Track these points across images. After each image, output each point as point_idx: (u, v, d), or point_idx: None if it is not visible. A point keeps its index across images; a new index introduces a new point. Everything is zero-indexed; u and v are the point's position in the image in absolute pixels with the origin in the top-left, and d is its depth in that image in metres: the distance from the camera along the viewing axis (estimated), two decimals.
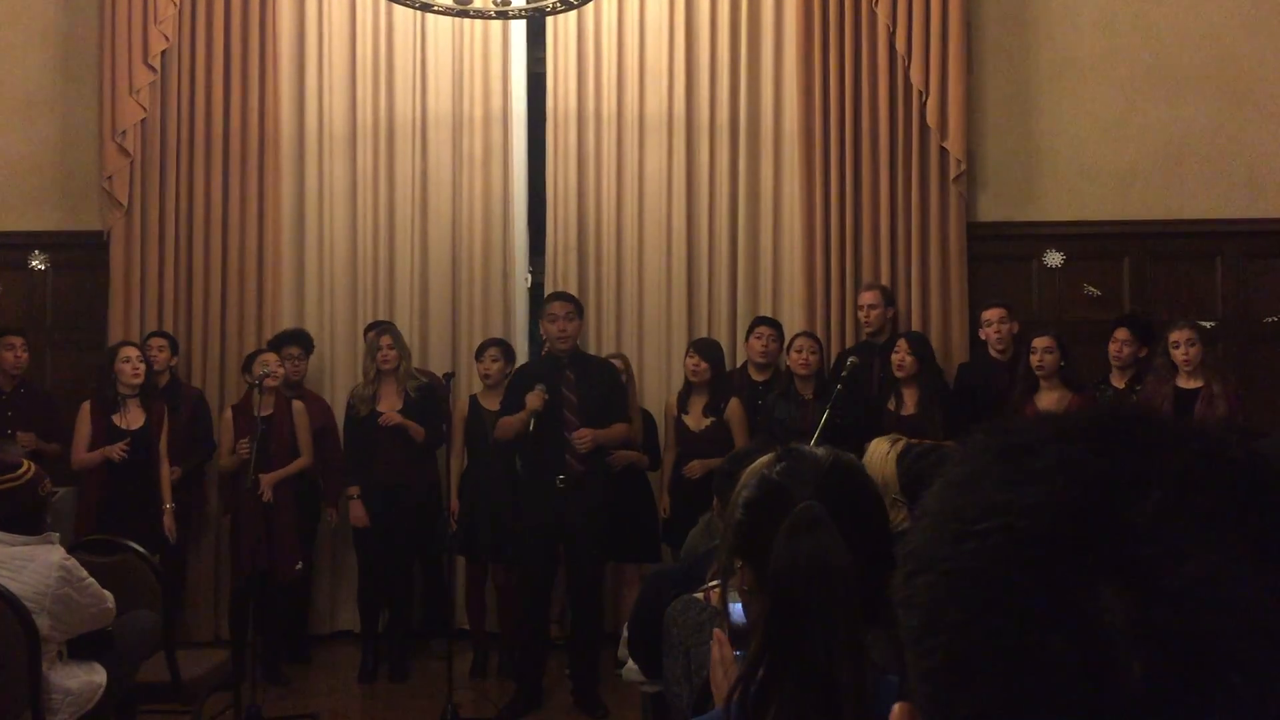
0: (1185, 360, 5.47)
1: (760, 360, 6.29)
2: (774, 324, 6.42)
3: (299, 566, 5.96)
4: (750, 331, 6.39)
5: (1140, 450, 0.58)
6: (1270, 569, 0.54)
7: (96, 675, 3.92)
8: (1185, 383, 5.50)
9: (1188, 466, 0.57)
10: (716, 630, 1.53)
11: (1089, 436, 0.60)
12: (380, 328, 6.38)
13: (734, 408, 6.06)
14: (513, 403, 5.60)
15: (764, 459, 1.56)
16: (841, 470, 1.50)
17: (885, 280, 6.70)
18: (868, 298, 6.42)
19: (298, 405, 6.11)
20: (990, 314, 6.26)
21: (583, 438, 5.46)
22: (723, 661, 1.48)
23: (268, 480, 5.81)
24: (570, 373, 5.59)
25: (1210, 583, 0.53)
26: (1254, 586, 0.53)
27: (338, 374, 6.94)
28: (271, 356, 6.07)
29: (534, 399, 5.49)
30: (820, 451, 1.53)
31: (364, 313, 6.97)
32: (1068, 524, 0.56)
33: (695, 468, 5.84)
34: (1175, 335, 5.52)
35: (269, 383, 5.84)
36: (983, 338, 6.31)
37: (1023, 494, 0.58)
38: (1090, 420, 0.61)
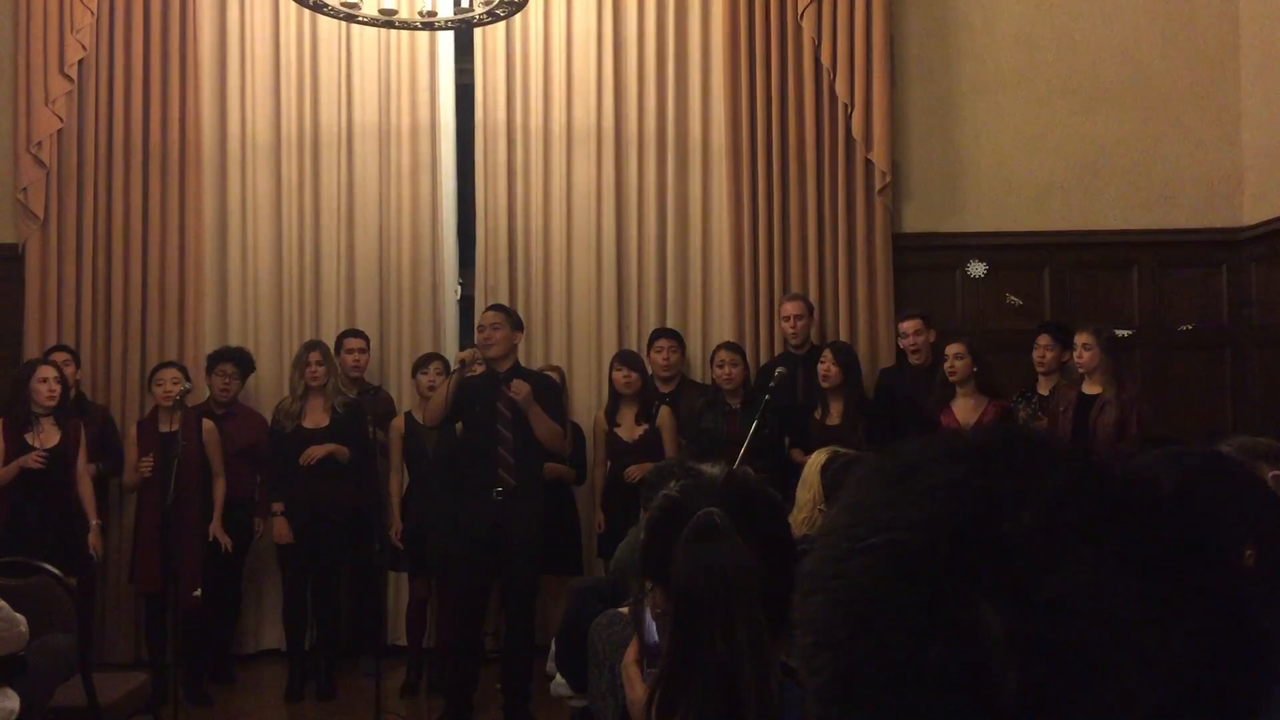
0: (1081, 363, 5.60)
1: (664, 374, 6.32)
2: (673, 334, 6.46)
3: (197, 594, 5.83)
4: (650, 346, 6.42)
5: (1019, 470, 0.60)
6: (1138, 581, 0.55)
7: (9, 701, 3.81)
8: (1088, 387, 5.62)
9: (1063, 485, 0.59)
10: (630, 647, 1.54)
11: (972, 457, 0.61)
12: (311, 344, 6.31)
13: (665, 415, 6.09)
14: (463, 408, 5.56)
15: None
16: (737, 482, 1.52)
17: (813, 291, 6.77)
18: (791, 308, 6.44)
19: (208, 424, 6.03)
20: (906, 325, 6.33)
21: (519, 389, 5.41)
22: (632, 680, 1.49)
23: (214, 528, 5.93)
24: (506, 386, 5.56)
25: (1080, 595, 0.54)
26: (1122, 598, 0.55)
27: (263, 388, 6.83)
28: (169, 373, 5.98)
29: (463, 354, 5.54)
30: (715, 468, 1.55)
31: (289, 327, 6.88)
32: (948, 540, 0.58)
33: (633, 472, 5.84)
34: (1076, 339, 5.67)
35: (187, 400, 5.79)
36: (901, 348, 6.40)
37: (907, 512, 0.60)
38: (975, 442, 0.63)
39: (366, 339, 6.56)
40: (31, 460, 5.52)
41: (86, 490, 5.73)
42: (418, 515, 6.07)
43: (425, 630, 6.27)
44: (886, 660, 0.57)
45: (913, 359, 6.29)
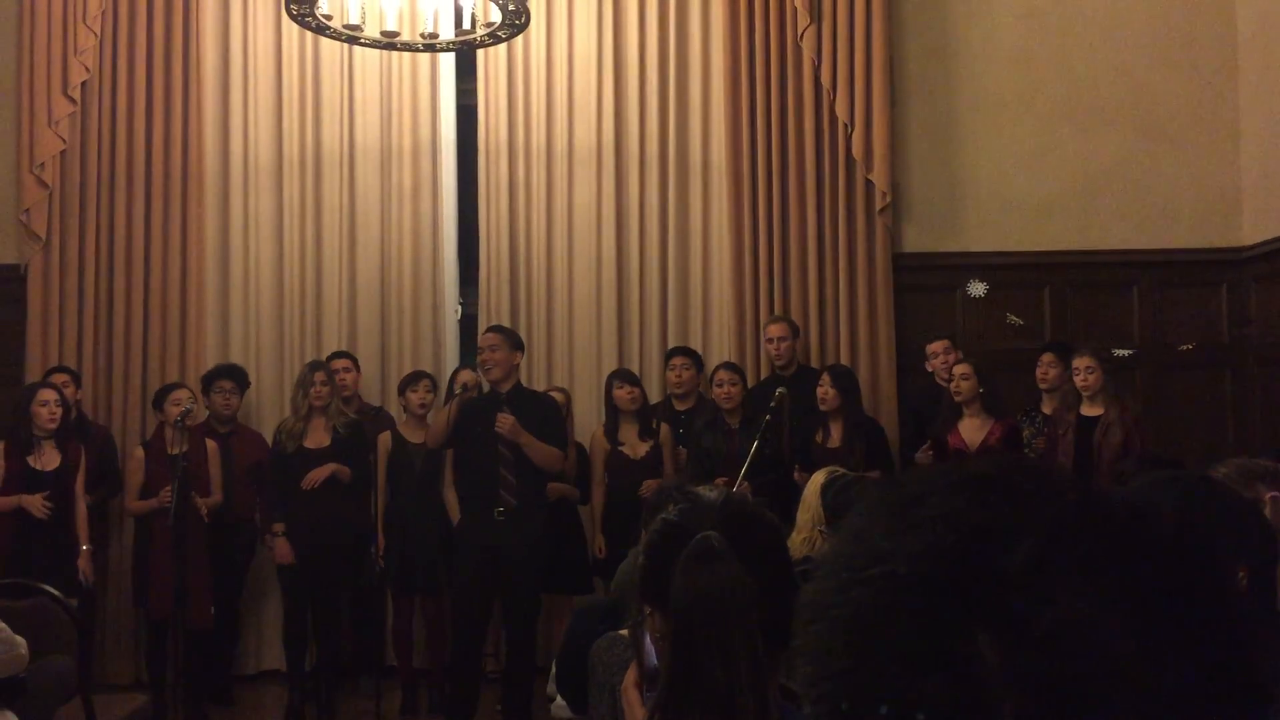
0: (1084, 386, 5.63)
1: (678, 391, 6.34)
2: (688, 352, 6.48)
3: (211, 610, 5.83)
4: (666, 363, 6.44)
5: (1018, 501, 0.60)
6: (1135, 613, 0.56)
7: None
8: (1088, 409, 5.64)
9: (1061, 517, 0.59)
10: (629, 671, 1.54)
11: (972, 488, 0.62)
12: (315, 364, 6.31)
13: (665, 433, 6.12)
14: (463, 429, 5.55)
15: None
16: (735, 505, 1.52)
17: (813, 311, 6.78)
18: (776, 330, 6.43)
19: (210, 444, 6.02)
20: (934, 346, 6.34)
21: (503, 423, 5.43)
22: (632, 703, 1.49)
23: (206, 503, 5.79)
24: (507, 407, 5.56)
25: (1076, 628, 0.55)
26: (1119, 632, 0.55)
27: (264, 408, 6.83)
28: (184, 393, 5.98)
29: (465, 375, 5.56)
30: (713, 492, 1.55)
31: (290, 346, 6.89)
32: (946, 571, 0.58)
33: (650, 484, 5.83)
34: (1076, 362, 5.69)
35: (189, 421, 5.77)
36: (929, 370, 6.38)
37: (905, 543, 0.60)
38: (975, 472, 0.64)
39: (354, 359, 6.54)
40: (37, 509, 5.51)
41: (81, 514, 5.72)
42: (401, 533, 6.05)
43: (412, 649, 6.25)
44: (885, 691, 0.58)
45: (940, 380, 6.21)
